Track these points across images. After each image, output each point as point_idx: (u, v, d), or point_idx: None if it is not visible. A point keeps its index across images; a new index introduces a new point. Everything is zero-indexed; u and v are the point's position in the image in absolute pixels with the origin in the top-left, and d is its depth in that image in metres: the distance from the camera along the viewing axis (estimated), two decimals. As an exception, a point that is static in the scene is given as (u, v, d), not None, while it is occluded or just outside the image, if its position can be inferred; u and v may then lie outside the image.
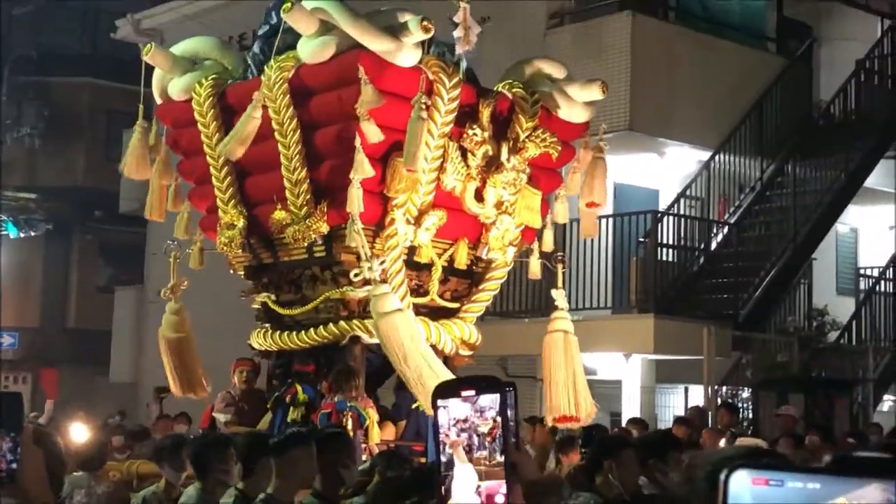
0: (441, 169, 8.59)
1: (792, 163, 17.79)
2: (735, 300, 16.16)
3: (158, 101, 9.53)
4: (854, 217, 19.49)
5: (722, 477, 1.59)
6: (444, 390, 2.66)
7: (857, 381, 16.52)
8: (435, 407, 2.69)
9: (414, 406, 8.67)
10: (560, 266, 9.51)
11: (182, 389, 9.66)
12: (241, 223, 8.81)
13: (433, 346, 8.56)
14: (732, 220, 17.41)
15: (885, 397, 18.15)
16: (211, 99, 8.93)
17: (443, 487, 2.87)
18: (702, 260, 16.85)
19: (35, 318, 28.68)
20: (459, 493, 2.98)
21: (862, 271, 19.16)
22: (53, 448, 5.80)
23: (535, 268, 9.72)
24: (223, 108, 8.99)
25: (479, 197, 8.85)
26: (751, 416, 15.38)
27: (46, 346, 27.61)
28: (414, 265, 8.74)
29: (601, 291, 15.55)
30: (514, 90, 8.96)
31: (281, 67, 8.44)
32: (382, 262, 8.12)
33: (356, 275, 8.09)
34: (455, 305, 9.14)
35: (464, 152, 8.68)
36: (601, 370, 15.71)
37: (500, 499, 2.85)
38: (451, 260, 8.99)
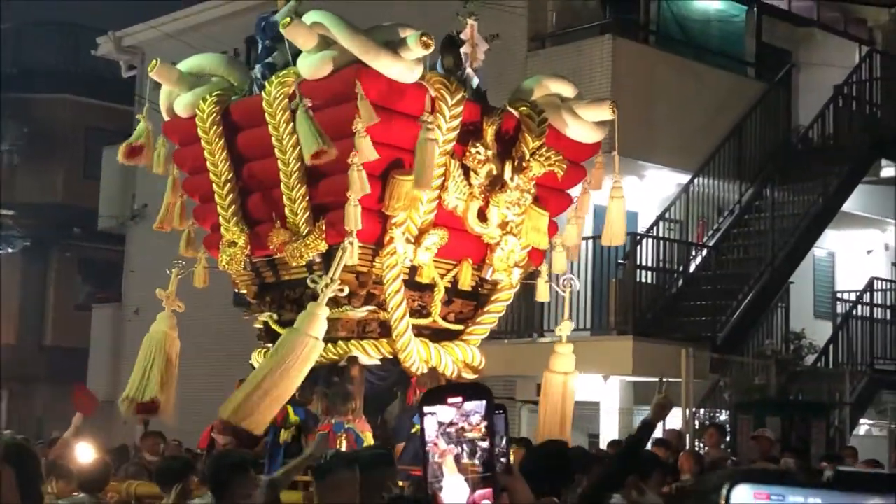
0: (443, 187, 8.45)
1: (770, 187, 17.89)
2: (713, 323, 16.20)
3: (166, 117, 9.44)
4: (831, 241, 19.60)
5: (723, 492, 1.60)
6: (431, 397, 2.66)
7: (833, 404, 16.57)
8: (422, 414, 2.68)
9: (413, 431, 8.38)
10: (567, 290, 9.34)
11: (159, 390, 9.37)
12: (241, 241, 8.70)
13: (433, 369, 8.48)
14: (711, 243, 17.48)
15: (862, 421, 18.21)
16: (214, 116, 8.81)
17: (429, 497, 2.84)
18: (680, 282, 16.90)
19: (12, 336, 28.51)
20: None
21: (839, 295, 19.24)
22: (28, 464, 5.71)
23: (542, 291, 9.54)
24: (227, 125, 8.88)
25: (482, 217, 8.68)
26: (728, 438, 15.40)
27: (23, 363, 27.44)
28: (416, 285, 8.61)
29: (580, 313, 15.56)
30: (520, 108, 8.81)
31: (281, 83, 8.33)
32: (341, 290, 7.94)
33: (313, 282, 7.96)
34: (459, 328, 8.96)
35: (466, 171, 8.53)
36: (579, 391, 15.70)
37: None
38: (454, 281, 8.82)
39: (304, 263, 8.36)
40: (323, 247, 8.17)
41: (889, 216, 19.35)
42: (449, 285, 8.78)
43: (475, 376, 8.92)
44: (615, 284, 15.73)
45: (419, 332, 8.61)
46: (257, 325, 9.16)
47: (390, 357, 8.56)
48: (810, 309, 19.31)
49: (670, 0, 18.30)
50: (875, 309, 18.63)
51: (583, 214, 9.49)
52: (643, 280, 16.17)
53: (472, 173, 8.53)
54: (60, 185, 28.99)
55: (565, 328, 9.21)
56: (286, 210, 8.36)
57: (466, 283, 8.80)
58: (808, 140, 18.89)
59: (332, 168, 8.01)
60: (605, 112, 8.94)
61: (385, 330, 8.53)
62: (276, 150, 8.38)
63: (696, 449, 12.23)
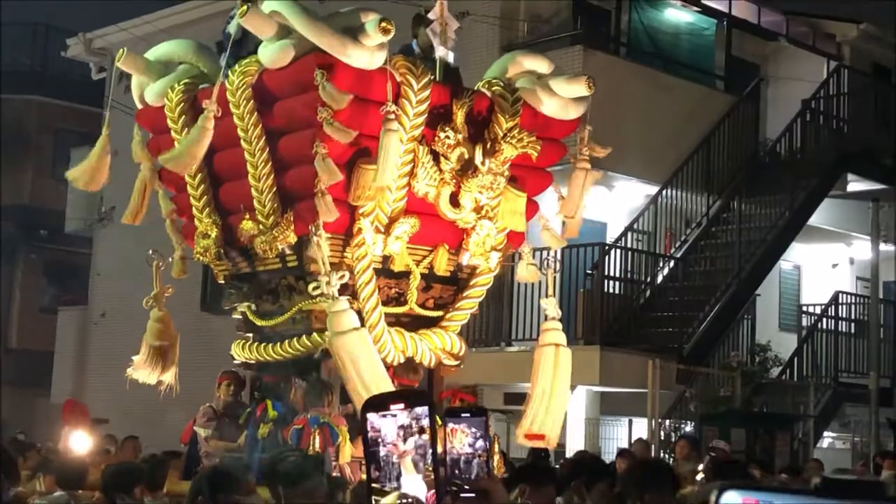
0: (411, 174, 8.23)
1: (738, 199, 18.01)
2: (680, 334, 16.28)
3: (139, 105, 9.27)
4: (797, 254, 19.75)
5: (712, 498, 1.60)
6: (375, 404, 2.67)
7: (798, 416, 16.70)
8: (364, 419, 2.68)
9: None
10: (551, 272, 9.02)
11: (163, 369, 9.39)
12: (214, 232, 8.57)
13: (410, 359, 8.32)
14: (678, 255, 17.57)
15: (826, 434, 18.36)
16: (182, 104, 8.65)
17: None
18: (648, 293, 16.98)
19: (-25, 338, 28.28)
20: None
21: (804, 308, 19.40)
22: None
23: (523, 273, 9.19)
24: (196, 114, 8.61)
25: (455, 202, 8.43)
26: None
27: (-14, 365, 27.20)
28: (390, 274, 8.41)
29: (547, 322, 15.61)
30: (493, 88, 8.57)
31: (244, 73, 8.19)
32: (342, 277, 7.77)
33: (315, 288, 7.77)
34: (437, 314, 8.72)
35: (436, 156, 8.28)
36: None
37: None
38: (431, 267, 8.58)
39: (274, 255, 8.23)
40: (292, 238, 8.04)
41: (855, 230, 19.53)
42: (426, 271, 8.57)
43: (456, 363, 8.73)
44: (583, 294, 15.78)
45: (398, 320, 8.40)
46: (236, 316, 8.99)
47: None
48: (776, 321, 19.45)
49: (641, 12, 18.40)
50: (840, 322, 18.80)
51: (566, 213, 9.01)
52: (611, 290, 16.23)
53: (442, 158, 8.28)
54: (28, 186, 28.79)
55: (551, 304, 8.82)
56: (254, 202, 8.21)
57: (443, 268, 8.58)
58: (775, 153, 19.04)
59: (299, 158, 7.91)
60: (581, 88, 8.68)
61: (360, 320, 8.21)
62: (241, 141, 8.25)
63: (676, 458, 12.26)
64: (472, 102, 8.33)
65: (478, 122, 8.45)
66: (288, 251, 8.15)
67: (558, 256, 9.28)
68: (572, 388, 15.41)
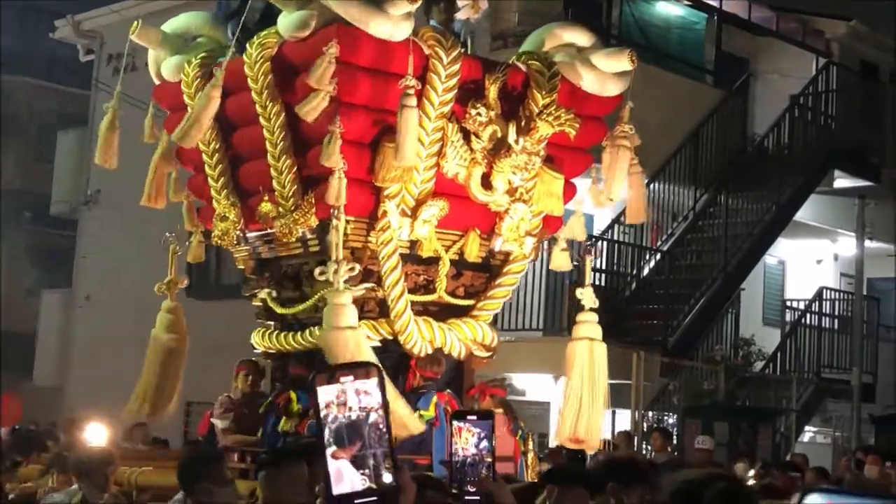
0: (440, 154, 7.70)
1: (725, 194, 18.05)
2: (665, 327, 16.32)
3: (155, 81, 8.78)
4: (783, 250, 19.81)
5: (795, 500, 1.58)
6: (323, 376, 2.63)
7: (780, 411, 16.77)
8: (314, 389, 2.64)
9: (416, 414, 7.67)
10: (588, 259, 8.62)
11: (150, 406, 8.66)
12: (232, 214, 8.09)
13: (436, 350, 7.84)
14: (665, 248, 17.61)
15: (807, 428, 18.44)
16: (199, 80, 8.13)
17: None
18: (633, 286, 17.01)
19: (-42, 319, 28.16)
20: (370, 477, 2.84)
21: (788, 303, 19.46)
22: None
23: (558, 260, 8.69)
24: None
25: (486, 184, 7.89)
26: (676, 441, 15.54)
27: (-32, 347, 27.09)
28: (419, 260, 7.91)
29: (533, 313, 15.63)
30: (529, 62, 8.00)
31: (262, 45, 7.63)
32: (352, 269, 7.27)
33: (321, 274, 7.31)
34: (468, 303, 8.20)
35: (467, 134, 7.74)
36: (530, 391, 15.79)
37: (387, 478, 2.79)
38: (461, 253, 8.05)
39: (295, 239, 7.75)
40: (313, 222, 7.55)
41: (840, 227, 19.59)
42: (456, 257, 8.04)
43: (488, 354, 8.23)
44: (569, 286, 15.79)
45: (425, 309, 7.92)
46: (256, 304, 8.50)
47: (390, 338, 7.87)
48: (760, 316, 19.51)
49: (632, 5, 18.41)
50: (823, 318, 18.86)
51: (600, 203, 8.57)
52: (597, 283, 16.23)
53: (473, 137, 7.75)
54: (13, 168, 28.66)
55: (586, 296, 8.34)
56: (274, 182, 7.69)
57: (474, 254, 8.04)
58: (763, 149, 19.08)
59: (322, 136, 7.32)
60: (623, 62, 8.12)
61: (384, 309, 7.85)
62: (260, 118, 7.72)
63: (643, 451, 12.30)
64: (505, 77, 7.81)
65: (512, 98, 7.93)
66: (310, 235, 7.70)
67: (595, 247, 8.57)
68: (556, 378, 15.49)
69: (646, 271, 17.23)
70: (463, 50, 7.73)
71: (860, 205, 18.10)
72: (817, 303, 18.86)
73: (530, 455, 8.49)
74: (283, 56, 7.62)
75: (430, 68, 7.54)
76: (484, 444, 3.21)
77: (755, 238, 17.61)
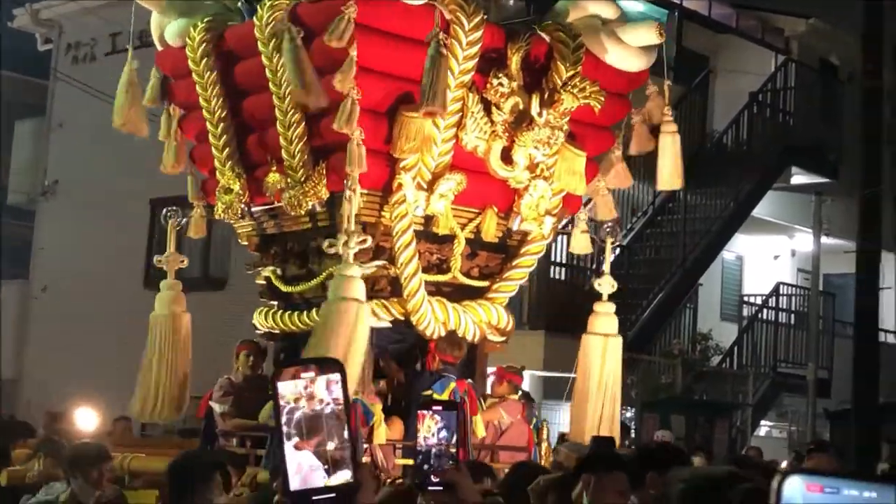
0: (460, 125, 7.34)
1: (683, 189, 18.12)
2: (623, 321, 16.35)
3: (158, 47, 8.38)
4: (740, 245, 19.95)
5: (774, 484, 1.58)
6: (283, 371, 2.63)
7: (736, 405, 16.90)
8: (275, 389, 2.65)
9: (425, 394, 7.34)
10: (609, 240, 8.25)
11: (166, 406, 8.07)
12: (237, 187, 7.70)
13: (452, 333, 7.54)
14: (624, 243, 17.67)
15: (763, 422, 18.60)
16: (205, 45, 7.74)
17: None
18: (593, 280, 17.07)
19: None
20: (331, 471, 2.84)
21: (746, 298, 19.61)
22: None
23: (578, 242, 8.50)
24: (221, 56, 7.81)
25: (507, 158, 7.54)
26: (633, 435, 15.63)
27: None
28: (433, 237, 7.59)
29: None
30: (552, 32, 7.64)
31: (273, 6, 7.25)
32: (363, 241, 6.92)
33: (330, 246, 6.98)
34: (483, 284, 7.87)
35: (487, 105, 7.40)
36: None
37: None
38: (477, 231, 7.74)
39: (304, 212, 7.39)
40: (324, 194, 7.21)
41: (797, 223, 19.75)
42: (471, 236, 7.71)
43: (502, 339, 7.98)
44: (529, 280, 15.82)
45: (439, 289, 7.60)
46: (259, 282, 8.17)
47: (402, 319, 7.53)
48: (717, 311, 19.64)
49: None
50: (780, 313, 19.02)
51: (614, 184, 8.31)
52: (556, 277, 16.31)
53: (494, 108, 7.40)
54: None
55: (606, 283, 8.08)
56: (283, 152, 7.32)
57: (491, 233, 7.71)
58: (722, 145, 19.20)
59: (336, 104, 6.97)
60: (650, 35, 7.83)
61: (396, 288, 7.50)
62: (270, 84, 7.32)
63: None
64: (528, 47, 7.48)
65: (534, 70, 7.59)
66: (319, 208, 7.36)
67: (617, 228, 8.39)
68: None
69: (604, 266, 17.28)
70: (485, 16, 7.40)
71: (817, 201, 18.26)
72: (774, 298, 19.02)
73: (544, 445, 8.33)
74: (297, 18, 7.19)
75: (451, 34, 7.19)
76: (444, 433, 3.22)
77: (713, 234, 17.73)
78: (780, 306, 19.15)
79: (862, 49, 16.09)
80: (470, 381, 7.79)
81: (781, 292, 19.27)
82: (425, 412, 3.18)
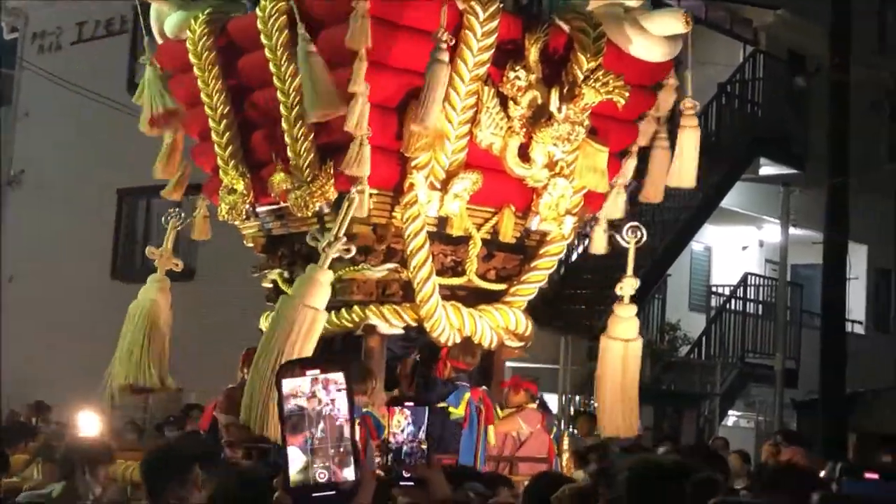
0: (474, 121, 7.01)
1: (652, 180, 18.17)
2: (592, 312, 16.42)
3: (158, 40, 8.00)
4: (709, 236, 20.03)
5: (837, 469, 1.55)
6: (288, 368, 2.63)
7: (704, 395, 16.98)
8: (279, 384, 2.64)
9: (440, 406, 7.03)
10: (633, 240, 7.83)
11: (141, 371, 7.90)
12: (241, 187, 7.37)
13: (467, 339, 7.21)
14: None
15: (731, 412, 18.70)
16: (206, 38, 7.44)
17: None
18: (562, 271, 17.08)
19: None
20: (331, 469, 2.82)
21: (714, 289, 19.69)
22: None
23: (598, 241, 8.22)
24: (224, 49, 7.48)
25: (524, 156, 7.20)
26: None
27: None
28: (447, 239, 7.22)
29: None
30: (572, 22, 7.26)
31: None
32: (348, 250, 6.63)
33: (313, 238, 6.73)
34: (500, 287, 7.52)
35: (504, 100, 7.06)
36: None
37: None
38: (494, 232, 7.38)
39: (311, 214, 7.02)
40: (332, 194, 6.86)
41: (765, 214, 19.84)
42: (488, 237, 7.35)
43: (520, 344, 7.65)
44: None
45: (453, 293, 7.24)
46: (266, 285, 7.82)
47: (415, 325, 7.17)
48: (685, 301, 19.71)
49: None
50: (748, 304, 19.12)
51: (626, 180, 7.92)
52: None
53: (510, 103, 7.06)
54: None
55: (628, 286, 7.79)
56: (288, 150, 7.01)
57: (508, 234, 7.35)
58: (690, 136, 19.22)
59: (344, 100, 6.68)
60: (676, 23, 7.36)
61: (408, 293, 7.14)
62: (274, 79, 7.01)
63: (574, 433, 12.39)
64: (547, 38, 7.11)
65: (553, 62, 7.20)
66: (327, 210, 6.99)
67: (641, 228, 8.04)
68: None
69: (574, 256, 17.31)
70: (501, 5, 7.07)
71: (785, 192, 18.35)
72: (742, 288, 19.11)
73: (566, 456, 8.01)
74: (303, 9, 6.91)
75: (465, 25, 6.83)
76: (410, 429, 3.20)
77: (682, 224, 17.77)
78: (748, 297, 19.24)
79: (830, 44, 16.18)
80: (484, 388, 7.51)
81: (749, 283, 19.35)
82: (395, 407, 3.17)
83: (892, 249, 21.38)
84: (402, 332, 7.19)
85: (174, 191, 8.11)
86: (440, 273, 7.17)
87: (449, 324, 7.12)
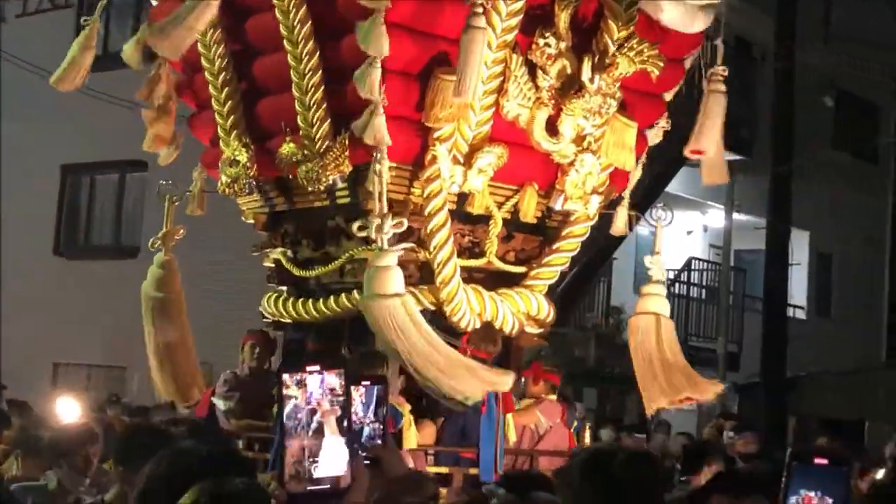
0: (501, 91, 6.56)
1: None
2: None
3: (153, 1, 7.43)
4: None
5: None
6: (290, 365, 2.66)
7: (648, 378, 17.11)
8: (281, 380, 2.65)
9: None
10: (660, 225, 7.65)
11: (170, 386, 7.41)
12: (244, 158, 6.90)
13: (487, 325, 6.81)
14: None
15: (674, 395, 18.86)
16: None
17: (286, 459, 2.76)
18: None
19: None
20: (328, 464, 2.82)
21: (659, 273, 19.83)
22: None
23: (621, 222, 7.88)
24: (229, 9, 6.83)
25: (552, 129, 6.75)
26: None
27: None
28: (466, 217, 6.81)
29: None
30: None
31: None
32: (399, 224, 6.11)
33: (360, 229, 6.19)
34: (520, 270, 7.13)
35: (532, 69, 6.62)
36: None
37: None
38: (515, 211, 6.95)
39: (322, 188, 6.55)
40: (346, 167, 6.40)
41: (710, 199, 20.01)
42: (507, 216, 6.93)
43: (540, 331, 7.30)
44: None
45: (470, 275, 6.80)
46: (267, 264, 7.42)
47: (433, 309, 6.67)
48: (631, 285, 19.85)
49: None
50: (691, 288, 19.29)
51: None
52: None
53: (539, 72, 6.62)
54: None
55: (656, 264, 7.48)
56: (299, 119, 6.51)
57: (530, 213, 6.95)
58: (638, 120, 19.33)
59: (361, 65, 6.15)
60: None
61: (426, 274, 6.65)
62: (284, 42, 6.49)
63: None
64: (577, 3, 6.68)
65: (583, 30, 6.77)
66: (339, 184, 6.51)
67: (668, 211, 7.80)
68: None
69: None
70: None
71: (730, 178, 18.48)
72: (686, 273, 19.28)
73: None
74: None
75: None
76: (361, 408, 3.20)
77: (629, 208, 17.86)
78: (692, 281, 19.41)
79: (775, 31, 16.33)
80: None
81: (693, 267, 19.53)
82: (353, 387, 3.18)
83: (834, 235, 21.66)
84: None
85: (159, 135, 7.32)
86: (458, 254, 6.71)
87: (469, 308, 6.69)
